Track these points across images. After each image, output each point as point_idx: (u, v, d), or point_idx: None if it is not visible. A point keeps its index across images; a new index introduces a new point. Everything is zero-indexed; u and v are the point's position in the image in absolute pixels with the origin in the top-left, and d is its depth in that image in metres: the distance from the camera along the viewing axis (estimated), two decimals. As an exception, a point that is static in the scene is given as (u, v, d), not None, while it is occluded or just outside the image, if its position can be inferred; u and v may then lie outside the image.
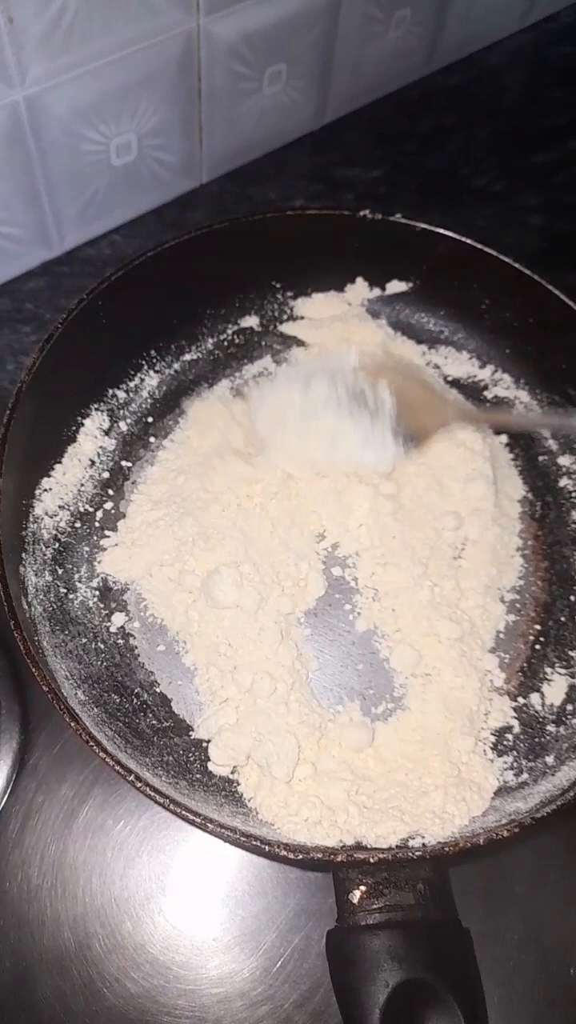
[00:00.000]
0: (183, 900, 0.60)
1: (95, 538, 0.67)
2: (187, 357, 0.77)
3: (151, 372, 0.76)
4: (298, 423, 0.63)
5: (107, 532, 0.67)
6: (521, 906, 0.61)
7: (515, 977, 0.59)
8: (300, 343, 0.78)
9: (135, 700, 0.61)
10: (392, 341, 0.76)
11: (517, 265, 0.69)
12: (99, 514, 0.68)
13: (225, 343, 0.79)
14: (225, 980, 0.58)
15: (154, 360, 0.76)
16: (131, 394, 0.74)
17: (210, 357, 0.78)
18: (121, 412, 0.73)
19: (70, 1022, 0.57)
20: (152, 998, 0.58)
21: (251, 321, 0.79)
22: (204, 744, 0.59)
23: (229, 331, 0.79)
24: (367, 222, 0.72)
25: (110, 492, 0.70)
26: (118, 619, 0.64)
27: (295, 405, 0.63)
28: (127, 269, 0.67)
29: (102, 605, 0.64)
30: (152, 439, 0.73)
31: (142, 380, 0.75)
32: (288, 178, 0.99)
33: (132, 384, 0.75)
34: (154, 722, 0.60)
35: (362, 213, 0.71)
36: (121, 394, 0.74)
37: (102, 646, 0.62)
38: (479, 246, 0.70)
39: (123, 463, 0.71)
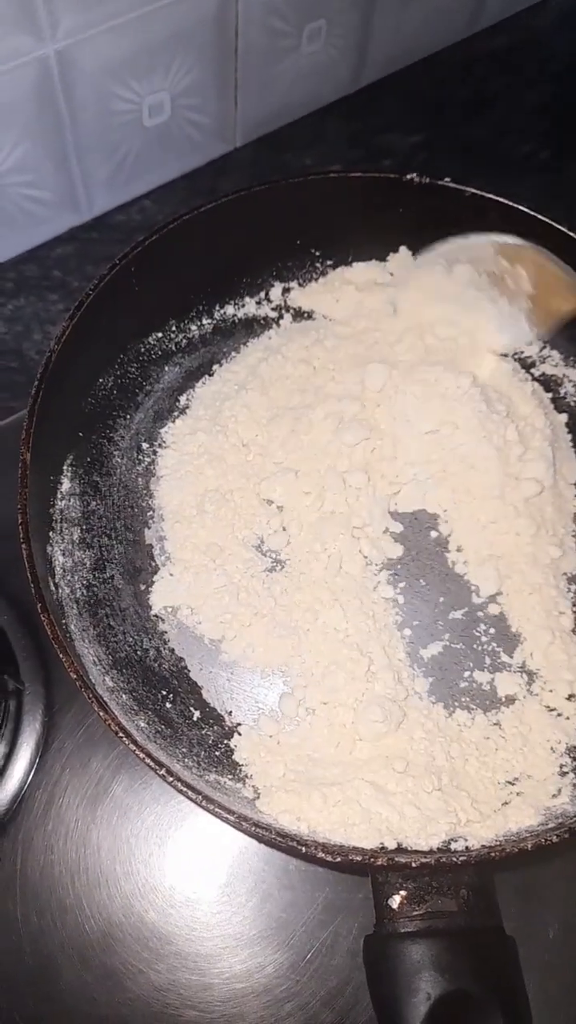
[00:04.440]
0: (209, 891, 0.59)
1: (123, 517, 0.65)
2: (222, 327, 0.74)
3: (183, 342, 0.73)
4: (443, 303, 0.66)
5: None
6: (556, 905, 0.59)
7: (549, 977, 0.57)
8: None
9: (164, 688, 0.59)
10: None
11: (573, 234, 0.65)
12: (127, 492, 0.66)
13: (260, 314, 0.75)
14: (251, 975, 0.57)
15: (185, 331, 0.73)
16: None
17: (244, 328, 0.75)
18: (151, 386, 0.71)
19: (92, 1012, 0.56)
20: (175, 990, 0.57)
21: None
22: (235, 733, 0.58)
23: (264, 301, 0.76)
24: (413, 186, 0.68)
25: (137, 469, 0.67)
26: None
27: (439, 286, 0.66)
28: (161, 234, 0.64)
29: (131, 587, 0.62)
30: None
31: (173, 351, 0.72)
32: (324, 143, 0.96)
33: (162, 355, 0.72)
34: (184, 711, 0.58)
35: (409, 176, 0.68)
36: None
37: (131, 630, 0.60)
38: (532, 213, 0.66)
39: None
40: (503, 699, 0.59)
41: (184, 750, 0.55)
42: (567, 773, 0.55)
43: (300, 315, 0.75)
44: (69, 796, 0.61)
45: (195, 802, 0.46)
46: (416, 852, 0.49)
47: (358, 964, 0.55)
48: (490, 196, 0.67)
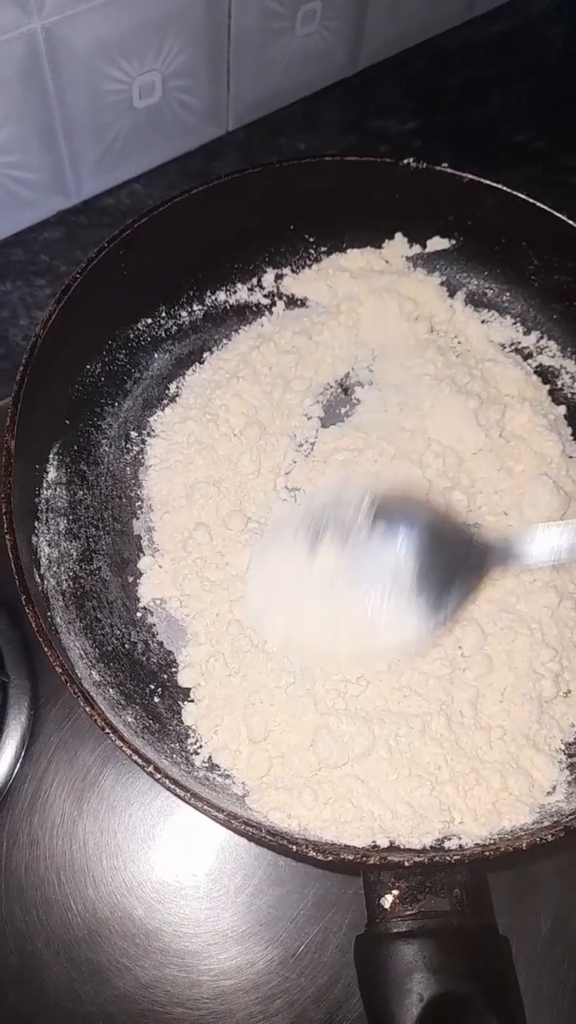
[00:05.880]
0: (198, 887, 0.59)
1: (111, 507, 0.63)
2: (213, 314, 0.73)
3: (173, 329, 0.71)
4: (301, 600, 0.52)
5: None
6: (549, 901, 0.59)
7: (543, 973, 0.57)
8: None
9: (153, 682, 0.58)
10: (441, 301, 0.72)
11: (573, 223, 0.64)
12: (115, 481, 0.65)
13: (252, 301, 0.74)
14: (239, 971, 0.57)
15: (175, 317, 0.72)
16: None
17: (236, 314, 0.73)
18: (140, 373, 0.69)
19: (77, 1009, 0.56)
20: (162, 987, 0.56)
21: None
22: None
23: (257, 287, 0.74)
24: (410, 172, 0.67)
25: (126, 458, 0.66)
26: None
27: (298, 575, 0.52)
28: (150, 217, 0.63)
29: (119, 579, 0.61)
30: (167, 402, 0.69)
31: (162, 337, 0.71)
32: (319, 128, 0.95)
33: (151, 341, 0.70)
34: (172, 705, 0.57)
35: (405, 161, 0.67)
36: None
37: (119, 623, 0.59)
38: (532, 201, 0.65)
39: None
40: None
41: (173, 745, 0.54)
42: (563, 770, 0.55)
43: (293, 302, 0.74)
44: (55, 790, 0.60)
45: (183, 799, 0.45)
46: (409, 851, 0.49)
47: (348, 960, 0.55)
48: (488, 183, 0.66)
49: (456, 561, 0.51)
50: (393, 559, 0.50)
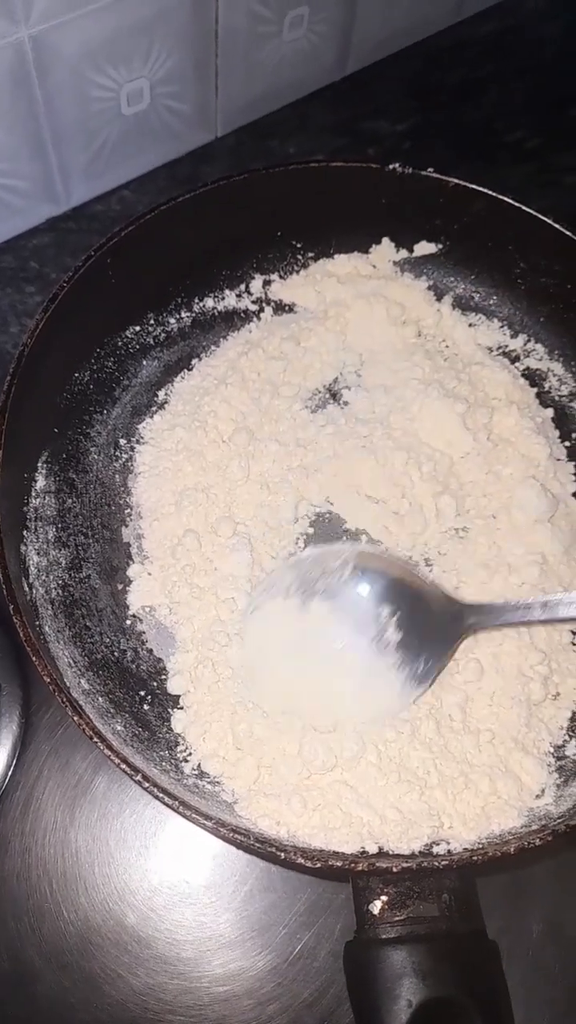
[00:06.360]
0: (190, 894, 0.59)
1: (100, 514, 0.63)
2: (201, 320, 0.73)
3: (161, 336, 0.71)
4: (293, 653, 0.53)
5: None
6: (540, 903, 0.59)
7: (533, 976, 0.57)
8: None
9: (142, 689, 0.58)
10: (428, 305, 0.72)
11: (558, 226, 0.64)
12: (104, 489, 0.65)
13: (240, 307, 0.74)
14: (232, 978, 0.57)
15: (163, 324, 0.72)
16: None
17: (224, 321, 0.74)
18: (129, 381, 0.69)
19: (70, 1017, 0.56)
20: (155, 995, 0.56)
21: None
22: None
23: (245, 294, 0.74)
24: (396, 176, 0.67)
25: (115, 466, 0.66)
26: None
27: (290, 626, 0.53)
28: (138, 224, 0.63)
29: (108, 587, 0.61)
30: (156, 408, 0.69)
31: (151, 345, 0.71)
32: (309, 131, 0.95)
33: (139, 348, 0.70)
34: (162, 712, 0.57)
35: (392, 166, 0.67)
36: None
37: (108, 631, 0.59)
38: (517, 204, 0.65)
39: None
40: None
41: (163, 753, 0.54)
42: (551, 773, 0.55)
43: (281, 308, 0.74)
44: (47, 797, 0.60)
45: (171, 807, 0.45)
46: (397, 856, 0.49)
47: (341, 966, 0.55)
48: (473, 187, 0.66)
49: (433, 626, 0.53)
50: (373, 625, 0.52)
